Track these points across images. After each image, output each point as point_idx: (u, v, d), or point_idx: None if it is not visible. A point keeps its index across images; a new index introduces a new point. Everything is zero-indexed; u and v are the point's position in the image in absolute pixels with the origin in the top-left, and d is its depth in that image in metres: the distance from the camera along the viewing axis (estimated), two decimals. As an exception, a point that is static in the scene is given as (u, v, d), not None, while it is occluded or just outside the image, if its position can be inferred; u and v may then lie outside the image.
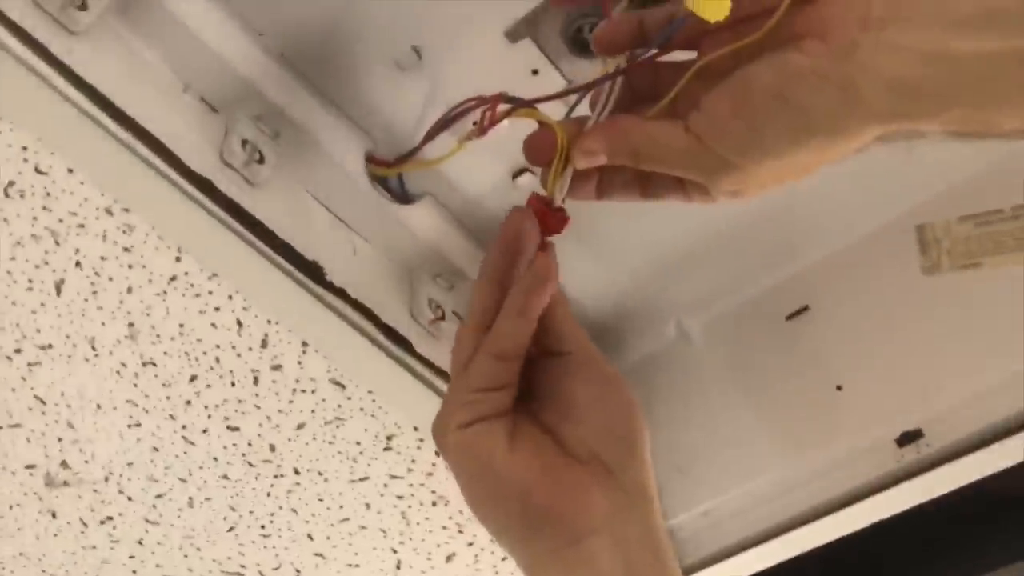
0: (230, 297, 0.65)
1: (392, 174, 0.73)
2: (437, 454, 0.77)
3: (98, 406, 0.72)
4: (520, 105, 0.56)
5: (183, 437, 0.75)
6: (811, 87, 0.40)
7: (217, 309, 0.66)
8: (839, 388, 0.77)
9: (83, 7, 0.59)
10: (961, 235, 0.74)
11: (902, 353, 0.75)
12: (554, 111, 0.53)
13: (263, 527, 0.88)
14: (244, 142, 0.65)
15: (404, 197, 0.75)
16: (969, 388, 0.72)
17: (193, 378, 0.71)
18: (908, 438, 0.74)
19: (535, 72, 0.66)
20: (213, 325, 0.67)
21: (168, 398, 0.72)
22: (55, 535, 0.87)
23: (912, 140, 0.42)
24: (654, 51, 0.49)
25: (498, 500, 0.47)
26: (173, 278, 0.64)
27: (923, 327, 0.74)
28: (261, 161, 0.65)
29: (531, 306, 0.47)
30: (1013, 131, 0.39)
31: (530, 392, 0.50)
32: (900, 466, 0.75)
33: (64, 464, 0.76)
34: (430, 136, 0.66)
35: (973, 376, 0.72)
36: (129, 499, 0.79)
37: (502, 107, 0.57)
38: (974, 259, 0.74)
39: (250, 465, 0.77)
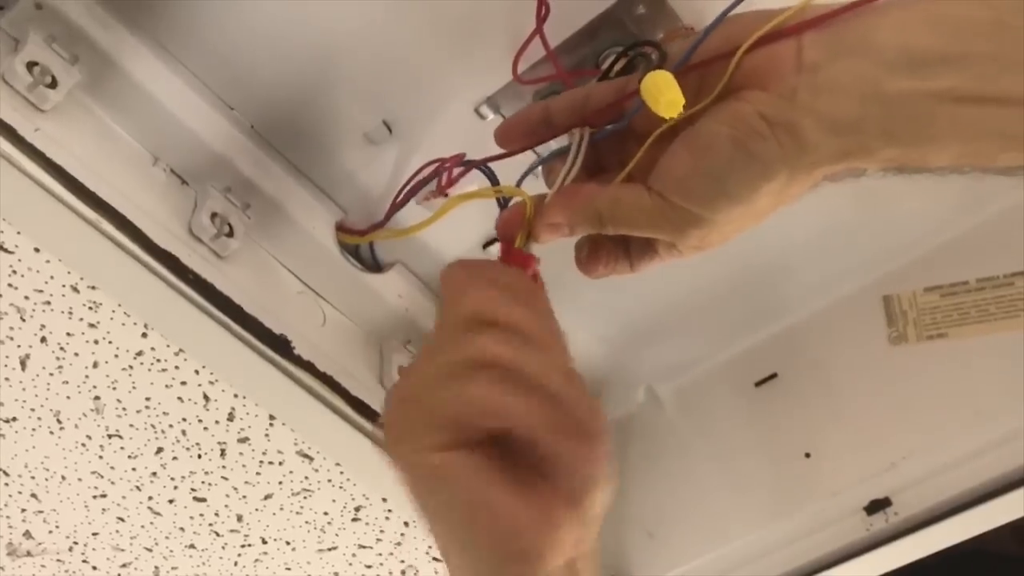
0: (197, 372, 0.65)
1: (362, 242, 0.73)
2: (406, 524, 0.77)
3: (63, 477, 0.71)
4: (476, 165, 0.57)
5: (149, 508, 0.74)
6: (762, 134, 0.41)
7: (184, 383, 0.66)
8: (807, 455, 0.78)
9: (52, 85, 0.59)
10: (927, 306, 0.75)
11: (870, 421, 0.75)
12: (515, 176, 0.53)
13: (230, 595, 0.86)
14: (214, 215, 0.65)
15: (375, 265, 0.75)
16: (937, 457, 0.72)
17: (159, 450, 0.70)
18: (877, 506, 0.74)
19: (504, 147, 0.66)
20: (180, 399, 0.67)
21: (134, 470, 0.71)
22: (18, 605, 0.86)
23: (856, 177, 0.43)
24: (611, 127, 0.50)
25: None
26: (139, 353, 0.64)
27: (890, 396, 0.75)
28: (231, 234, 0.65)
29: None
30: (941, 168, 0.41)
31: None
32: (869, 534, 0.75)
33: (28, 534, 0.75)
34: (397, 206, 0.67)
35: (940, 445, 0.72)
36: (94, 568, 0.78)
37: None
38: (940, 330, 0.74)
39: (217, 535, 0.77)
